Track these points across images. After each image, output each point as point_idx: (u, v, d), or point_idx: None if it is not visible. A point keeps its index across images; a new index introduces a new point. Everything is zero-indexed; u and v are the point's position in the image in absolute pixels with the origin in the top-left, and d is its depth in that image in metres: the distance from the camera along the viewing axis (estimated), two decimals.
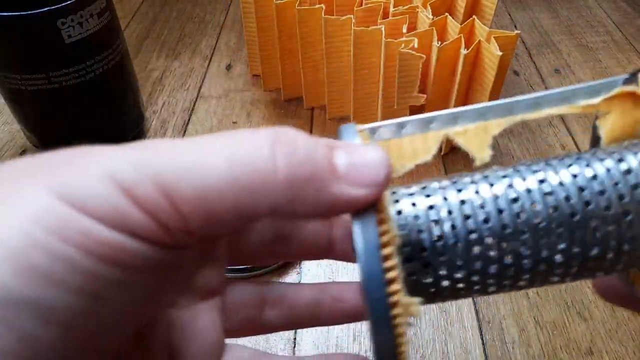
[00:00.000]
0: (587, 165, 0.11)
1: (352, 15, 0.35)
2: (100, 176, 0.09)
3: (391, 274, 0.10)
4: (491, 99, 0.34)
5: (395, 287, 0.10)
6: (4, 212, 0.08)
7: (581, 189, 0.11)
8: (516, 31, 0.33)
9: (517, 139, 0.41)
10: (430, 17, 0.35)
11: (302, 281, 0.31)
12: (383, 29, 0.33)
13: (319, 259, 0.15)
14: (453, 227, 0.11)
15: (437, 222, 0.11)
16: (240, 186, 0.09)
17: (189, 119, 0.43)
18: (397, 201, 0.12)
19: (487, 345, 0.28)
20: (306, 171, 0.09)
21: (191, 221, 0.09)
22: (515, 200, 0.11)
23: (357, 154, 0.10)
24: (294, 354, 0.27)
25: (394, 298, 0.10)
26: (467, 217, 0.11)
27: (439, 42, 0.33)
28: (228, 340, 0.14)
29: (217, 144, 0.09)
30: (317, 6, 0.36)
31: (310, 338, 0.28)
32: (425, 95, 0.35)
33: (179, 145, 0.09)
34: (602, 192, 0.11)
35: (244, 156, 0.09)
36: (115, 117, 0.38)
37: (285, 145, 0.09)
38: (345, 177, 0.10)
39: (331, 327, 0.28)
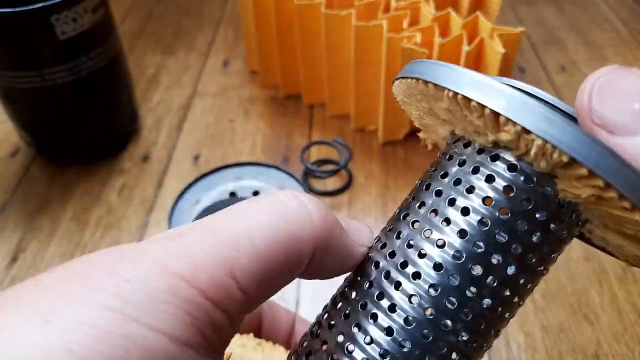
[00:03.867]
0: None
1: (352, 10, 0.34)
2: (155, 273, 0.08)
3: None
4: None
5: None
6: (51, 332, 0.07)
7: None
8: (520, 28, 0.32)
9: None
10: (433, 12, 0.34)
11: (300, 284, 0.30)
12: (384, 24, 0.33)
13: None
14: None
15: None
16: (284, 235, 0.09)
17: (184, 117, 0.42)
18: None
19: (491, 349, 0.27)
20: (332, 217, 0.10)
21: (249, 292, 0.09)
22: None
23: (346, 221, 0.11)
24: None
25: None
26: None
27: (441, 38, 0.32)
28: None
29: (246, 209, 0.10)
30: (317, 0, 0.35)
31: None
32: None
33: (219, 222, 0.10)
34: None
35: (279, 208, 0.10)
36: (110, 115, 0.37)
37: (301, 194, 0.10)
38: (349, 233, 0.11)
39: None
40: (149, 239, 0.09)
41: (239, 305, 0.09)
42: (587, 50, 0.49)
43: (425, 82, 0.10)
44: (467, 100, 0.09)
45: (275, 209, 0.10)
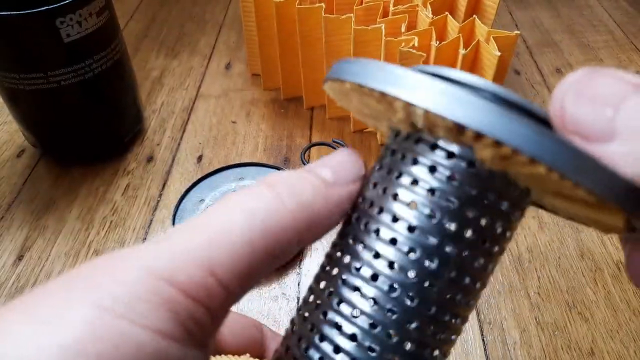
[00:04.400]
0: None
1: (352, 14, 0.35)
2: (140, 275, 0.09)
3: None
4: None
5: None
6: (48, 331, 0.08)
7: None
8: (516, 31, 0.33)
9: None
10: (430, 16, 0.35)
11: (301, 281, 0.31)
12: (383, 27, 0.33)
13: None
14: None
15: None
16: (260, 230, 0.10)
17: (188, 119, 0.43)
18: None
19: (488, 346, 0.28)
20: (307, 191, 0.10)
21: (230, 288, 0.09)
22: None
23: (331, 163, 0.11)
24: None
25: None
26: None
27: (438, 42, 0.33)
28: None
29: (221, 209, 0.10)
30: (317, 5, 0.36)
31: None
32: None
33: (197, 224, 0.10)
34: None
35: (253, 202, 0.10)
36: (114, 117, 0.38)
37: (277, 180, 0.10)
38: (336, 182, 0.11)
39: None
40: (146, 242, 0.10)
41: (220, 301, 0.09)
42: (582, 52, 0.50)
43: (334, 81, 0.10)
44: (362, 87, 0.09)
45: (249, 202, 0.10)
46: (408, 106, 0.09)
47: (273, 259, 0.10)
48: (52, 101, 0.34)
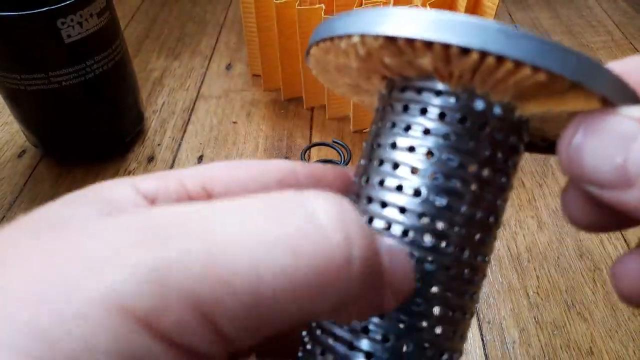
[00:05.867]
0: None
1: None
2: (104, 309, 0.06)
3: None
4: None
5: None
6: None
7: None
8: None
9: None
10: None
11: None
12: None
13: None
14: None
15: None
16: (306, 287, 0.07)
17: (188, 119, 0.43)
18: None
19: (487, 345, 0.28)
20: (380, 260, 0.08)
21: (235, 341, 0.07)
22: None
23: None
24: None
25: None
26: None
27: None
28: None
29: (266, 225, 0.07)
30: (317, 6, 0.36)
31: None
32: None
33: (210, 228, 0.06)
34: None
35: (311, 244, 0.07)
36: (115, 117, 0.38)
37: (356, 225, 0.07)
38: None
39: None
40: (123, 215, 0.07)
41: (214, 352, 0.07)
42: None
43: (317, 43, 0.10)
44: (318, 44, 0.10)
45: (305, 236, 0.07)
46: (349, 40, 0.09)
47: (296, 320, 0.07)
48: (53, 102, 0.34)
